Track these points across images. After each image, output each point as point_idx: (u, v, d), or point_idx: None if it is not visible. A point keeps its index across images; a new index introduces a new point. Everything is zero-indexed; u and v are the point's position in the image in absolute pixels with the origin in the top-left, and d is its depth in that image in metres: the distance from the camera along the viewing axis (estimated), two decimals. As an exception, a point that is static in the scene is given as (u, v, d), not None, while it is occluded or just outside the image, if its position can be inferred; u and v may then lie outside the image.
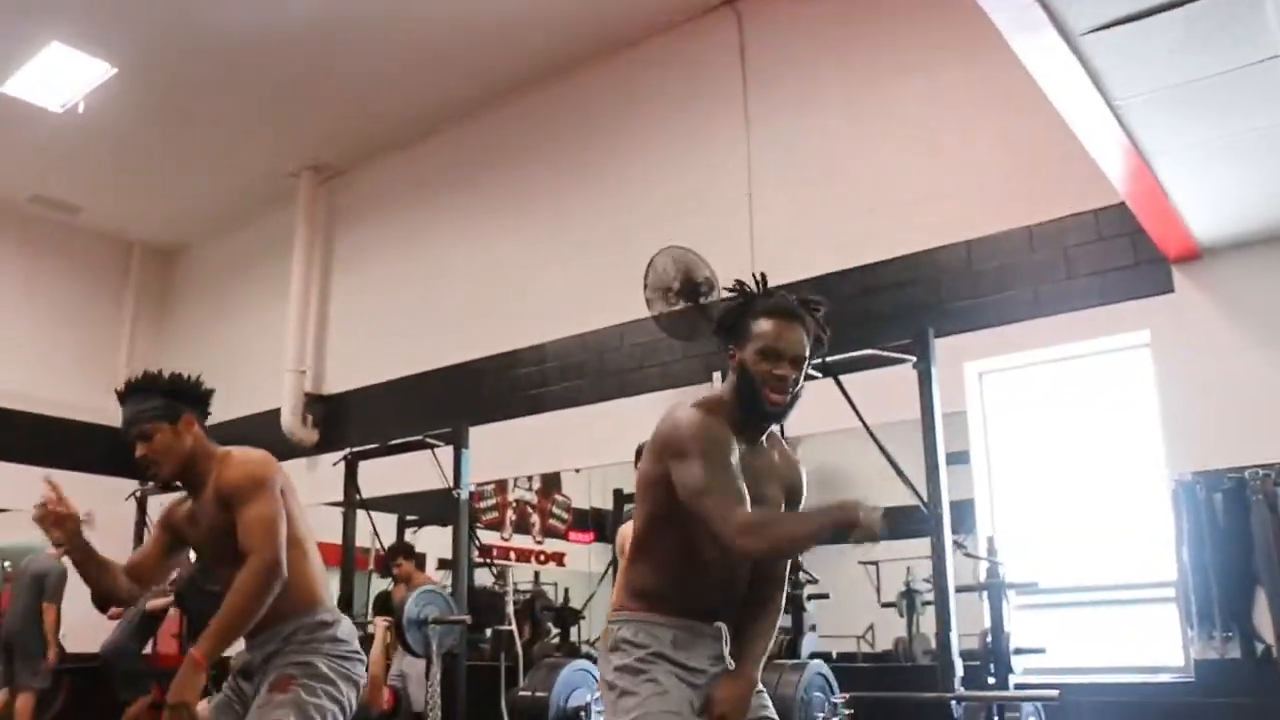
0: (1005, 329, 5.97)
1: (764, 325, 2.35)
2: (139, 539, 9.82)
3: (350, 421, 9.90)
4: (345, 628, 3.08)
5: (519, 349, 8.63)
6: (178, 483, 3.05)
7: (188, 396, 3.02)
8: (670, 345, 7.28)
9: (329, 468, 9.74)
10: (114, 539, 11.26)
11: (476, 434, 7.44)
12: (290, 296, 10.39)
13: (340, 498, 8.48)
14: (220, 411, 11.19)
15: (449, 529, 7.14)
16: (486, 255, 9.12)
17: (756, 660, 2.46)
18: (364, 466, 7.74)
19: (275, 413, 10.20)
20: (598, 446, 7.91)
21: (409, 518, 9.58)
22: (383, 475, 7.88)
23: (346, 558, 7.63)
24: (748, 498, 2.29)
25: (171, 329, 12.54)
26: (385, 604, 8.12)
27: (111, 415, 11.01)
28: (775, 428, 2.52)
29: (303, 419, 10.10)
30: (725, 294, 2.51)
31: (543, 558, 10.34)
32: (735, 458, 2.33)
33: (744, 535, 2.18)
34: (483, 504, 9.78)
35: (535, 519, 9.95)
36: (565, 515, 10.01)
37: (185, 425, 3.02)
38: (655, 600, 2.40)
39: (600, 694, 2.51)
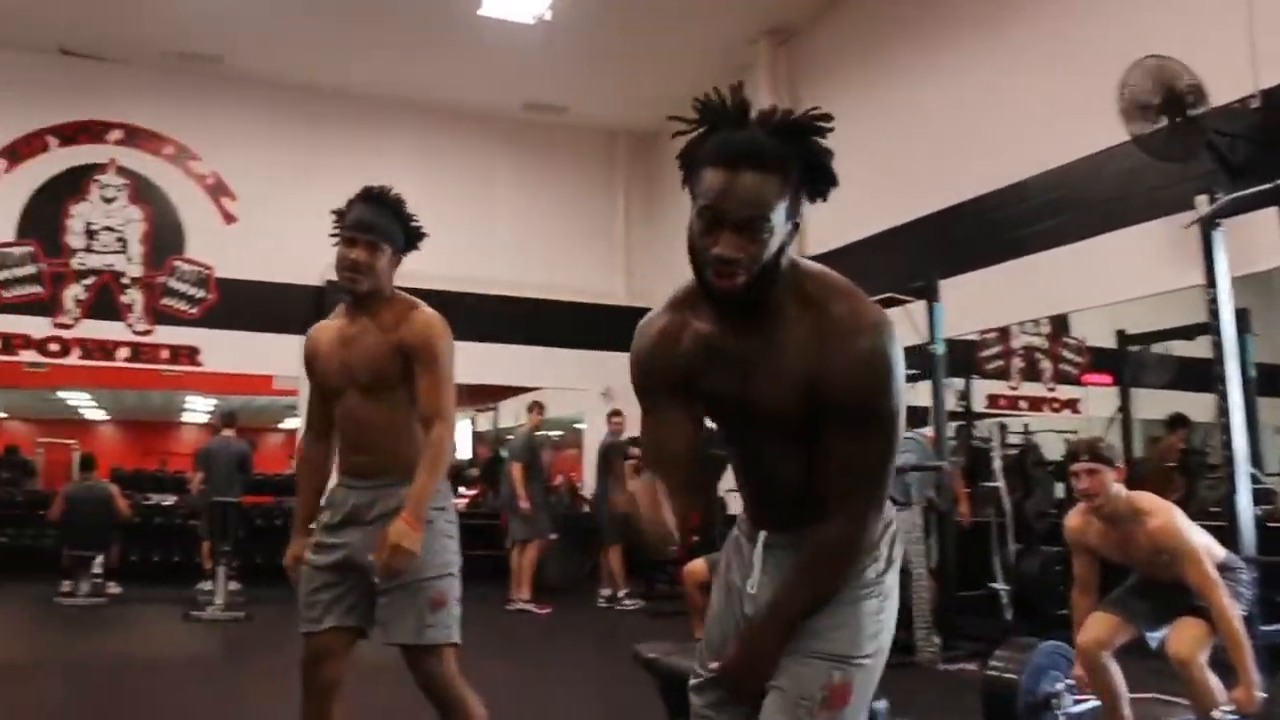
0: None
1: (705, 176, 1.68)
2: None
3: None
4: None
5: (990, 191, 8.17)
6: (354, 302, 2.98)
7: (414, 237, 3.01)
8: (1157, 169, 6.54)
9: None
10: (633, 410, 12.27)
11: (957, 283, 7.23)
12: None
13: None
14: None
15: (913, 386, 7.00)
16: (951, 95, 8.66)
17: (778, 613, 1.81)
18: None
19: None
20: (1086, 286, 7.40)
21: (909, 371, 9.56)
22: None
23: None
24: (670, 451, 1.84)
25: (658, 213, 13.26)
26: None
27: (620, 297, 12.08)
28: (814, 286, 1.77)
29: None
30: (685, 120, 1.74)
31: (1056, 405, 9.93)
32: (676, 362, 1.88)
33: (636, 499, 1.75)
34: (985, 353, 9.55)
35: (1046, 364, 9.57)
36: (1078, 358, 9.56)
37: (397, 259, 3.02)
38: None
39: None
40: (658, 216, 13.28)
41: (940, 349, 6.87)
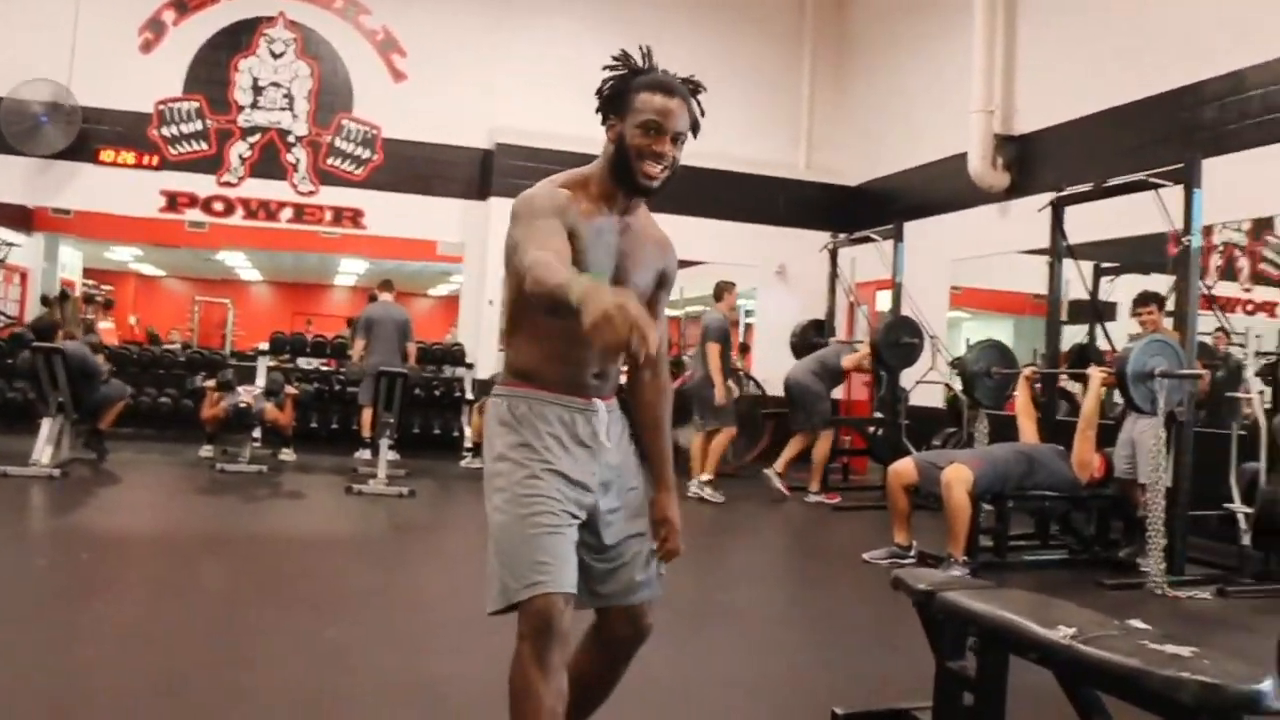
0: None
1: (648, 99, 2.26)
2: (832, 291, 10.01)
3: (1047, 163, 9.08)
4: None
5: (1253, 65, 7.16)
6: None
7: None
8: None
9: (1022, 214, 9.17)
10: (805, 290, 11.82)
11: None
12: (974, 29, 9.61)
13: (1038, 244, 7.91)
14: (903, 158, 10.95)
15: (1149, 277, 6.21)
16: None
17: (669, 462, 2.50)
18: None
19: (960, 157, 9.67)
20: None
21: (1105, 265, 8.74)
22: (1081, 220, 7.08)
23: (1053, 309, 7.01)
24: (562, 253, 2.13)
25: (849, 78, 12.38)
26: (1082, 354, 7.47)
27: (800, 170, 11.26)
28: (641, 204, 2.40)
29: (992, 162, 9.45)
30: (609, 66, 2.33)
31: (1250, 307, 9.18)
32: (567, 220, 2.23)
33: (528, 273, 2.07)
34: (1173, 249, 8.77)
35: (1244, 263, 8.72)
36: (1279, 258, 8.68)
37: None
38: (536, 380, 2.31)
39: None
40: (845, 85, 12.38)
41: (1197, 241, 5.99)
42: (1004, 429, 7.03)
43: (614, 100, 2.30)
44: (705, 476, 8.42)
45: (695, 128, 2.32)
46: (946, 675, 2.85)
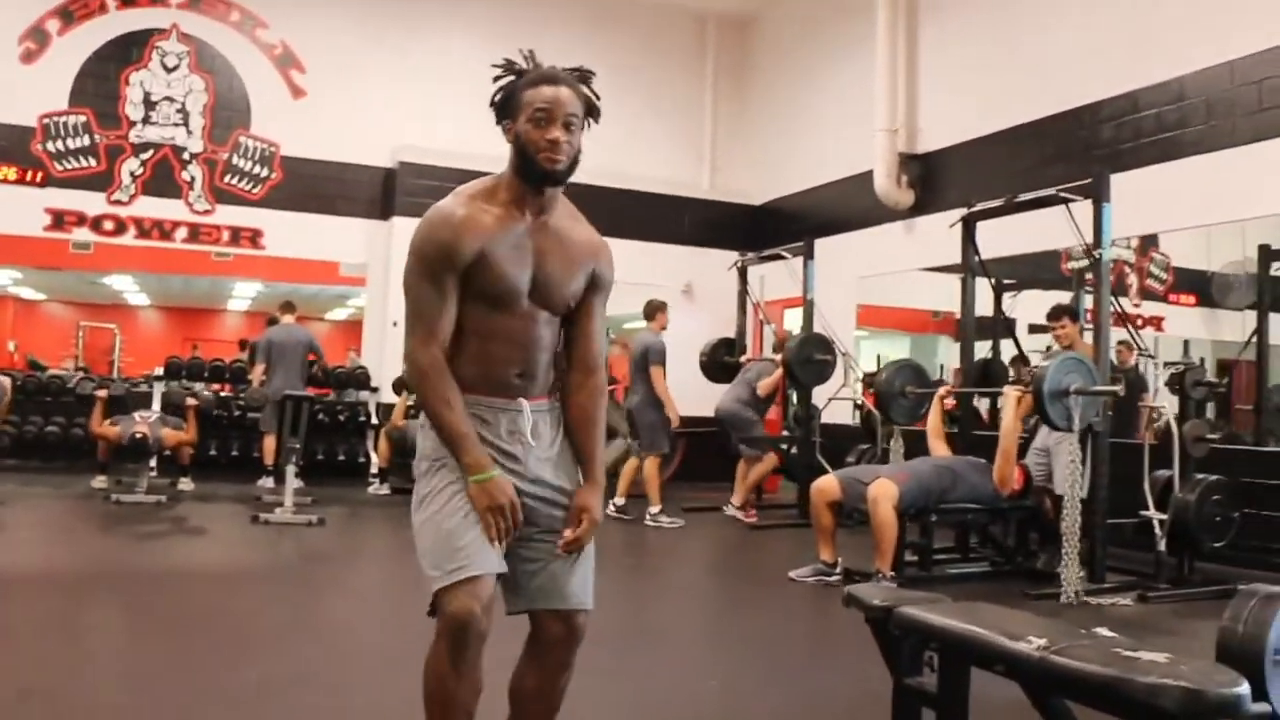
0: None
1: (534, 93, 2.29)
2: (742, 309, 9.99)
3: (949, 181, 9.24)
4: None
5: (1146, 87, 7.41)
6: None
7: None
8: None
9: (926, 231, 9.32)
10: (712, 309, 11.79)
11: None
12: (876, 51, 9.75)
13: (942, 261, 8.06)
14: (808, 177, 11.02)
15: (1049, 293, 6.34)
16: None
17: (599, 459, 2.45)
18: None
19: (864, 176, 9.80)
20: (1235, 198, 6.83)
21: (1005, 281, 8.95)
22: (984, 236, 7.20)
23: (966, 325, 7.11)
24: (441, 321, 2.27)
25: (752, 99, 12.46)
26: (985, 369, 7.55)
27: (704, 190, 11.25)
28: (567, 206, 2.43)
29: (897, 180, 9.58)
30: (497, 76, 2.38)
31: (1139, 322, 9.45)
32: (466, 250, 2.25)
33: (412, 373, 2.29)
34: (1070, 264, 8.95)
35: (1132, 279, 8.98)
36: (1164, 275, 8.95)
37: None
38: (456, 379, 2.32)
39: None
40: (747, 107, 12.46)
41: (1108, 254, 6.12)
42: (918, 444, 7.07)
43: (505, 104, 2.35)
44: (656, 508, 8.32)
45: (593, 112, 2.37)
46: (905, 692, 2.79)
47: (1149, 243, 8.66)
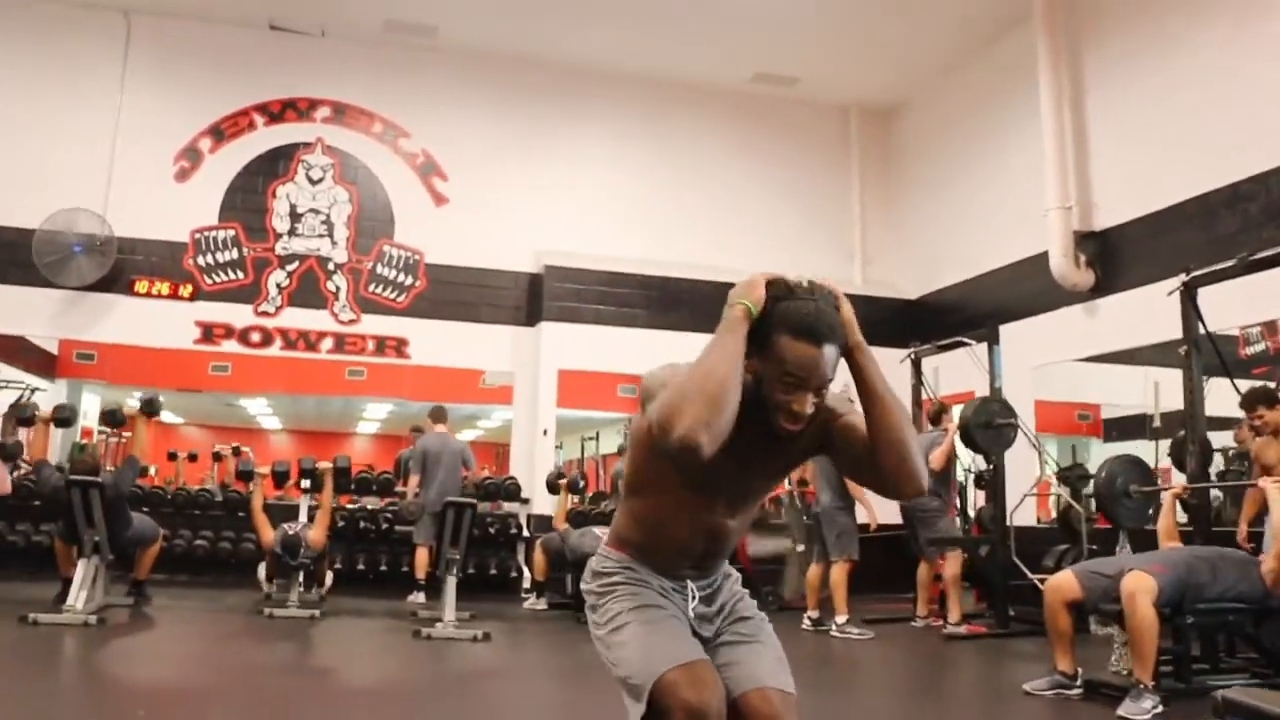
0: None
1: (792, 346, 1.99)
2: (916, 403, 9.32)
3: (1133, 257, 8.60)
4: None
5: None
6: None
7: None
8: None
9: (1108, 313, 8.68)
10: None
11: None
12: (1042, 126, 9.22)
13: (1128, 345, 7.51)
14: (974, 265, 10.40)
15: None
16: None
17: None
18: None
19: (1035, 260, 9.21)
20: None
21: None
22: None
23: (1193, 406, 6.27)
24: None
25: (900, 190, 12.01)
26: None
27: (856, 285, 10.71)
28: None
29: (1075, 260, 8.94)
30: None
31: None
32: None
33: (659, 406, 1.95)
34: (1248, 350, 8.18)
35: None
36: None
37: None
38: (633, 549, 2.30)
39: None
40: (895, 198, 12.01)
41: None
42: (1145, 543, 6.29)
43: (755, 335, 2.02)
44: (844, 617, 7.69)
45: (844, 351, 2.07)
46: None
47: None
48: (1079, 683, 5.26)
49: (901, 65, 11.12)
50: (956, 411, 8.41)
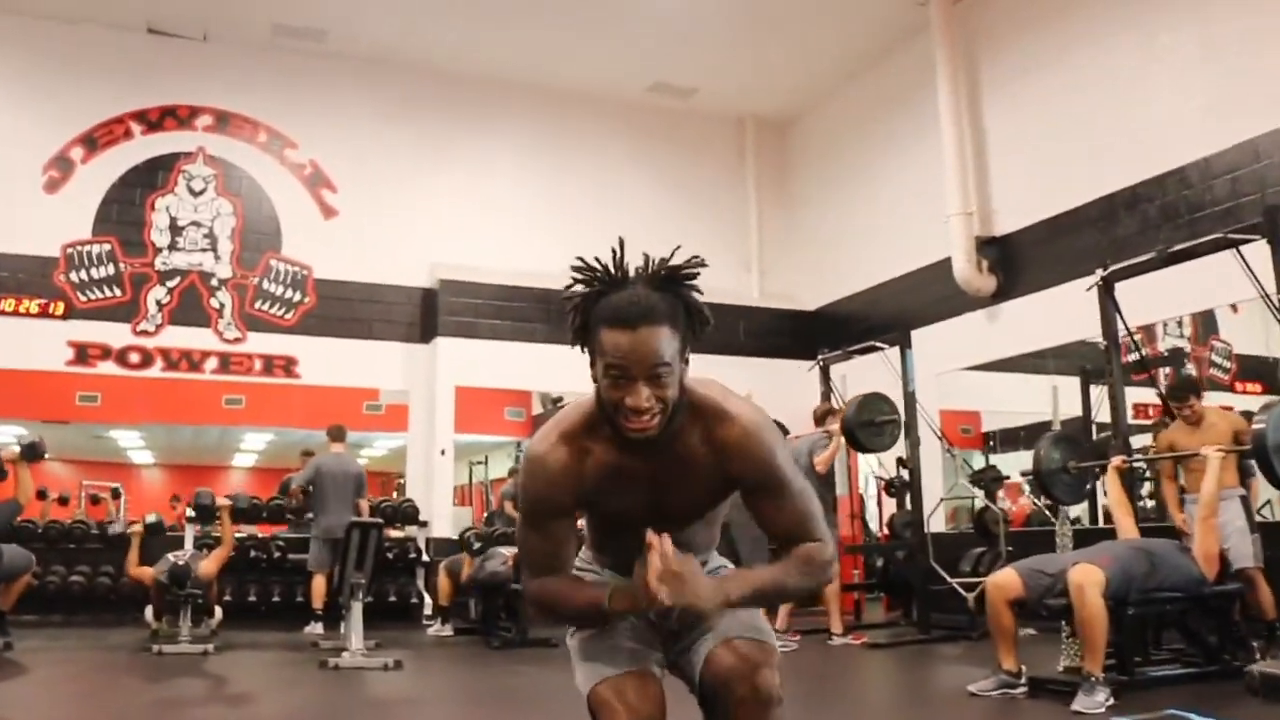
0: None
1: (608, 336, 1.85)
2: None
3: (1032, 261, 8.73)
4: None
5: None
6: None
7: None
8: None
9: (1011, 318, 8.76)
10: (785, 414, 10.91)
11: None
12: (942, 134, 9.30)
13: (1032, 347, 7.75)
14: (875, 273, 10.43)
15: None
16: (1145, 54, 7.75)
17: (746, 579, 1.97)
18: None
19: (943, 264, 9.24)
20: None
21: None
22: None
23: (1116, 397, 6.31)
24: (561, 559, 2.05)
25: (798, 199, 12.02)
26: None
27: (754, 297, 10.60)
28: (699, 408, 1.99)
29: (977, 265, 9.00)
30: (571, 278, 1.93)
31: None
32: (567, 498, 1.99)
33: (534, 606, 2.06)
34: (1129, 357, 8.40)
35: (1192, 368, 8.42)
36: (1228, 364, 8.47)
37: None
38: (601, 555, 2.24)
39: None
40: (793, 209, 12.01)
41: None
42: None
43: (582, 334, 1.94)
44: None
45: (702, 322, 1.93)
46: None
47: (1209, 329, 8.20)
48: (1024, 681, 5.16)
49: (798, 77, 11.15)
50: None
